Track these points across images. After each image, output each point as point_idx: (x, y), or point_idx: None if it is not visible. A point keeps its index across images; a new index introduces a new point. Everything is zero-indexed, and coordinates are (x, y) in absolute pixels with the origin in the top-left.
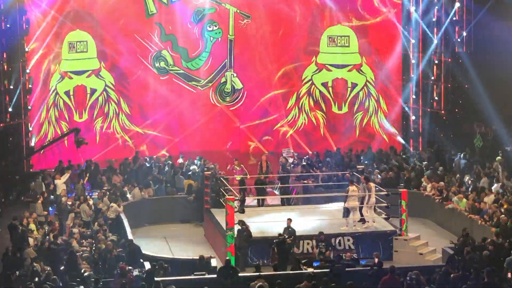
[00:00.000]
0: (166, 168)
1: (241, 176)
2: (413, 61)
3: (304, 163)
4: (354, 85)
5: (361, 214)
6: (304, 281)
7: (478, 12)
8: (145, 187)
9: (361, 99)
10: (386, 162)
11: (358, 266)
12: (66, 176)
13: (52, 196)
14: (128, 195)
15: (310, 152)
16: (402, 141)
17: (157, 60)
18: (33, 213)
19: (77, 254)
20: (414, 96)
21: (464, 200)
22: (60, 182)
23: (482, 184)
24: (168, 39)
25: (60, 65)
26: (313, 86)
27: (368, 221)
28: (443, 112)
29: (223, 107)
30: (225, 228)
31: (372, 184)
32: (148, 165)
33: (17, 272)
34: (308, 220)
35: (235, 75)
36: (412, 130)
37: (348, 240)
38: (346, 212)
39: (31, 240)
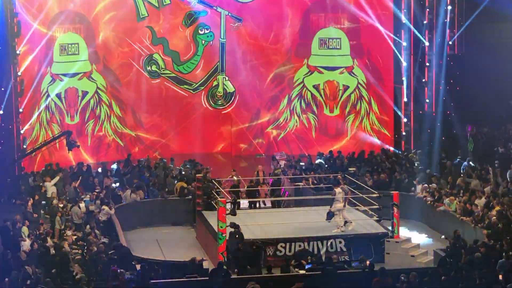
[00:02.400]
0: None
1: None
2: (404, 64)
3: (296, 166)
4: (346, 88)
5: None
6: (295, 283)
7: (469, 14)
8: (137, 189)
9: (352, 102)
10: (378, 164)
11: (349, 268)
12: (56, 179)
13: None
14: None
15: (306, 154)
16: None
17: (149, 63)
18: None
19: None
20: (405, 99)
21: (456, 202)
22: (50, 185)
23: (473, 187)
24: (159, 42)
25: (51, 68)
26: (305, 88)
27: (351, 222)
28: (434, 114)
29: (215, 110)
30: (217, 231)
31: (337, 190)
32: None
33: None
34: (298, 223)
35: (227, 78)
36: (404, 133)
37: (340, 242)
38: (330, 215)
39: (23, 243)
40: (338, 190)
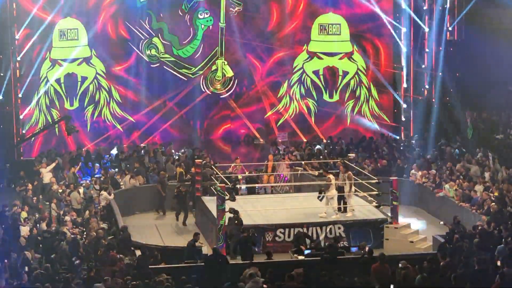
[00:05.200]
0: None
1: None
2: (404, 50)
3: (296, 151)
4: (345, 73)
5: (340, 203)
6: (294, 269)
7: (469, 0)
8: (136, 174)
9: (352, 87)
10: (377, 150)
11: (348, 254)
12: (52, 165)
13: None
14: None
15: (305, 140)
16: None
17: (148, 47)
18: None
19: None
20: (405, 85)
21: (455, 188)
22: (45, 171)
23: (473, 173)
24: (159, 26)
25: (50, 53)
26: (304, 74)
27: (353, 210)
28: (434, 100)
29: (213, 95)
30: (215, 217)
31: (351, 174)
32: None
33: (6, 260)
34: (297, 208)
35: (226, 63)
36: (403, 119)
37: (339, 228)
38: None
39: (22, 228)
40: (330, 176)
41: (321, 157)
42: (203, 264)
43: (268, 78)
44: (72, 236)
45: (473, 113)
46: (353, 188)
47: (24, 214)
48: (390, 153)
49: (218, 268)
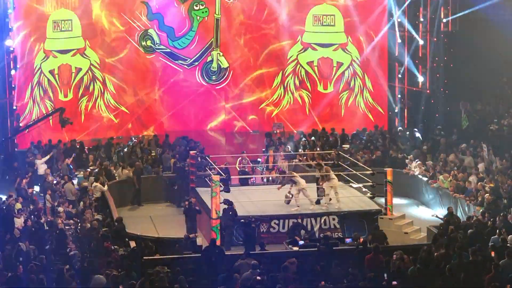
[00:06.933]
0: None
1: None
2: (398, 41)
3: (290, 143)
4: (340, 65)
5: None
6: (287, 260)
7: None
8: (131, 166)
9: (346, 79)
10: (371, 142)
11: (343, 245)
12: (47, 157)
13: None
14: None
15: (300, 131)
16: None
17: (144, 38)
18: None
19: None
20: (399, 75)
21: (450, 179)
22: (40, 162)
23: (467, 164)
24: (154, 18)
25: (44, 44)
26: (299, 65)
27: (335, 202)
28: (428, 91)
29: (209, 86)
30: (210, 208)
31: (329, 167)
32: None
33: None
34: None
35: (221, 54)
36: (397, 110)
37: (334, 219)
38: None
39: (16, 220)
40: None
41: (317, 148)
42: (199, 255)
43: (263, 69)
44: (60, 228)
45: (467, 104)
46: (332, 181)
47: (18, 206)
48: (384, 144)
49: (215, 259)
